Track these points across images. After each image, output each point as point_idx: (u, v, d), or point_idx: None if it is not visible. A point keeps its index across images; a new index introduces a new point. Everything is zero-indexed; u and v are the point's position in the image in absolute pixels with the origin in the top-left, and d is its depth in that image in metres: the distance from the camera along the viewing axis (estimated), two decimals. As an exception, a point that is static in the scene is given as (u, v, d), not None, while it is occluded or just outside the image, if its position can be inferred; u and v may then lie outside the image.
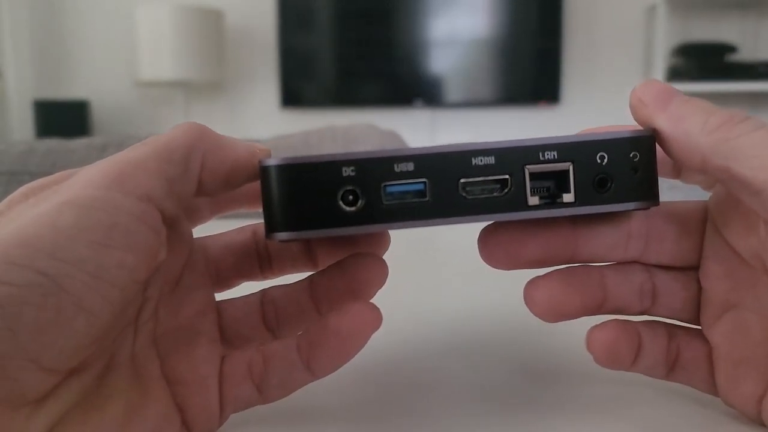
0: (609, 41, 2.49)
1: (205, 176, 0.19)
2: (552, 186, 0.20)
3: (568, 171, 0.20)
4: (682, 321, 0.23)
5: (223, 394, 0.21)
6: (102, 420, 0.18)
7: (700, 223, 0.22)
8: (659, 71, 2.28)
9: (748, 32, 2.41)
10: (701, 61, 2.27)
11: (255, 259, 0.24)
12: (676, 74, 2.28)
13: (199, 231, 0.24)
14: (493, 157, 0.19)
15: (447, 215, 0.20)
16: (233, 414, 0.22)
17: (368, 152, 0.19)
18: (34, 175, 0.94)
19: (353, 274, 0.22)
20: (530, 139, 0.20)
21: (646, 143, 0.20)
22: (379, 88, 2.55)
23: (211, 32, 2.32)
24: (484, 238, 0.22)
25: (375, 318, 0.20)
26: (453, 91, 2.53)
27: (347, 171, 0.19)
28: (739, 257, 0.21)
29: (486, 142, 0.19)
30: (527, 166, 0.20)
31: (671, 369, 0.22)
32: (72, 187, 0.17)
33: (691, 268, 0.23)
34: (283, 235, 0.20)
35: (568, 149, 0.20)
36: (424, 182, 0.19)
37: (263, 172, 0.20)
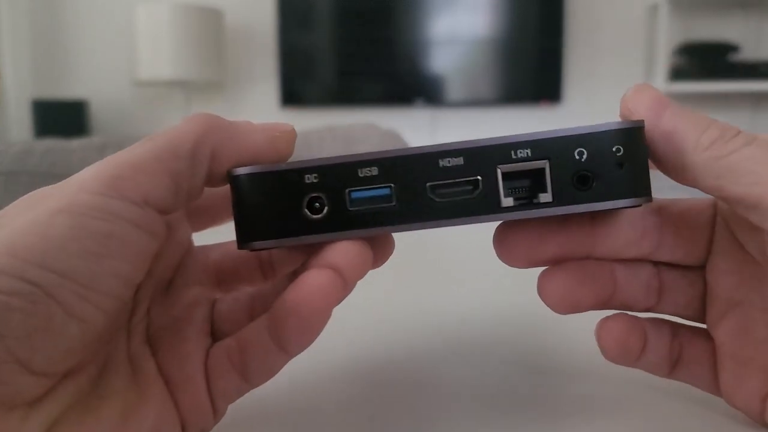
0: (611, 40, 2.48)
1: (216, 167, 0.19)
2: (528, 186, 0.19)
3: (544, 169, 0.19)
4: (686, 319, 0.23)
5: (212, 389, 0.20)
6: (99, 421, 0.18)
7: (711, 220, 0.22)
8: (661, 71, 2.27)
9: (750, 32, 2.41)
10: (703, 61, 2.26)
11: (255, 264, 0.24)
12: (678, 74, 2.27)
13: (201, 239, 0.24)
14: (461, 158, 0.19)
15: (415, 220, 0.19)
16: (233, 414, 0.21)
17: (331, 158, 0.19)
18: (32, 175, 0.93)
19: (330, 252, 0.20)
20: (502, 137, 0.19)
21: (630, 136, 0.19)
22: (380, 87, 2.54)
23: (210, 31, 2.31)
24: (500, 236, 0.22)
25: (333, 286, 0.18)
26: (454, 90, 2.52)
27: (310, 178, 0.19)
28: (748, 254, 0.21)
29: (454, 143, 0.19)
30: (499, 166, 0.19)
31: (674, 367, 0.22)
32: (66, 192, 0.16)
33: (698, 266, 0.23)
34: (254, 245, 0.20)
35: (543, 146, 0.19)
36: (390, 187, 0.19)
37: (232, 181, 0.19)
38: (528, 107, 2.50)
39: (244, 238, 0.20)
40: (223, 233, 0.24)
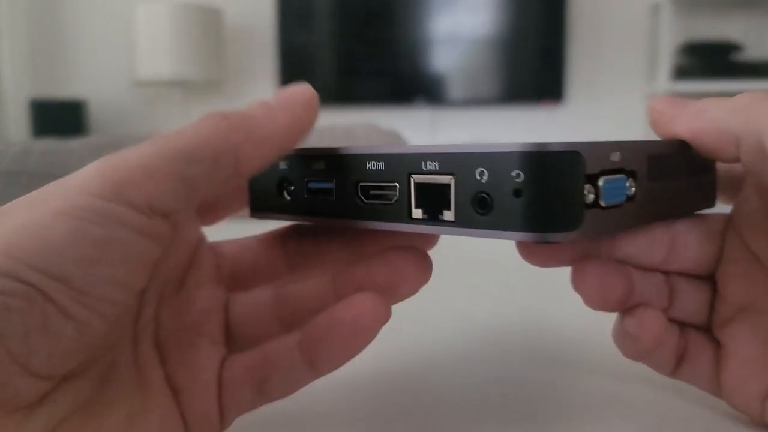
0: (613, 40, 2.47)
1: (240, 170, 0.18)
2: (436, 200, 0.18)
3: (449, 185, 0.18)
4: (693, 323, 0.23)
5: (223, 401, 0.20)
6: (101, 428, 0.17)
7: (721, 231, 0.23)
8: (664, 70, 2.26)
9: (753, 31, 2.40)
10: (706, 60, 2.25)
11: (280, 257, 0.22)
12: (681, 73, 2.27)
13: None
14: (383, 163, 0.19)
15: (347, 217, 0.20)
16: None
17: (297, 150, 0.21)
18: (31, 176, 0.93)
19: (384, 266, 0.20)
20: (419, 146, 0.18)
21: (536, 162, 0.16)
22: (380, 86, 2.53)
23: (209, 30, 2.31)
24: None
25: (381, 310, 0.19)
26: (454, 89, 2.51)
27: (282, 165, 0.22)
28: (759, 261, 0.21)
29: (381, 146, 0.19)
30: (413, 176, 0.18)
31: (677, 365, 0.23)
32: (68, 192, 0.16)
33: (708, 275, 0.23)
34: (257, 215, 0.23)
35: (449, 161, 0.18)
36: (333, 182, 0.20)
37: None
38: (529, 107, 2.49)
39: (252, 207, 0.23)
40: (232, 229, 0.24)
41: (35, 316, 0.15)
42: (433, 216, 0.18)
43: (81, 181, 0.16)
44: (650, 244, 0.22)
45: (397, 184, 0.19)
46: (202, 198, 0.17)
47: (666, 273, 0.23)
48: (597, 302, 0.22)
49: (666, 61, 2.27)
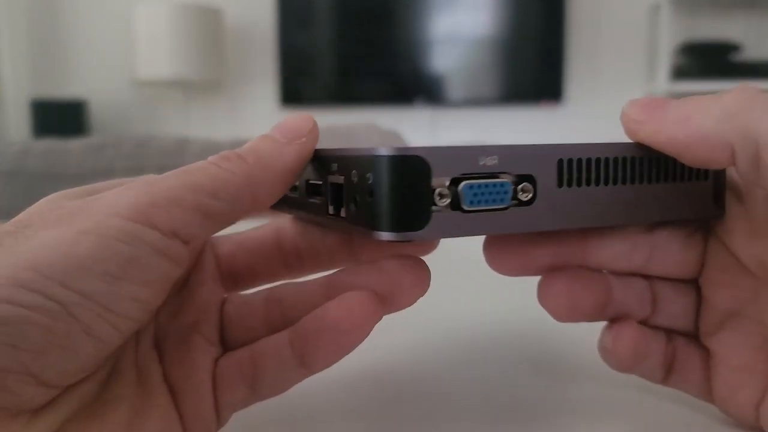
0: (613, 40, 2.47)
1: (258, 204, 0.19)
2: (338, 198, 0.19)
3: (342, 185, 0.19)
4: (680, 329, 0.23)
5: (218, 399, 0.20)
6: (102, 428, 0.17)
7: (704, 235, 0.22)
8: (663, 70, 2.26)
9: (752, 31, 2.40)
10: (705, 60, 2.25)
11: (277, 257, 0.23)
12: (680, 73, 2.27)
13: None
14: (312, 164, 0.20)
15: (301, 210, 0.22)
16: (232, 417, 0.21)
17: None
18: (32, 176, 0.93)
19: (380, 274, 0.20)
20: (334, 149, 0.19)
21: (382, 165, 0.17)
22: (380, 86, 2.53)
23: (209, 30, 2.30)
24: (490, 244, 0.21)
25: (373, 308, 0.19)
26: (454, 89, 2.51)
27: None
28: (743, 266, 0.21)
29: (318, 150, 0.20)
30: (328, 176, 0.20)
31: (667, 373, 0.22)
32: (97, 212, 0.16)
33: (691, 279, 0.22)
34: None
35: (341, 162, 0.19)
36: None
37: None
38: (529, 107, 2.49)
39: None
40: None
41: (57, 334, 0.15)
42: (337, 212, 0.19)
43: (109, 203, 0.17)
44: (628, 250, 0.22)
45: (321, 183, 0.20)
46: (221, 228, 0.18)
47: (648, 278, 0.23)
48: (564, 316, 0.21)
49: (665, 61, 2.27)
